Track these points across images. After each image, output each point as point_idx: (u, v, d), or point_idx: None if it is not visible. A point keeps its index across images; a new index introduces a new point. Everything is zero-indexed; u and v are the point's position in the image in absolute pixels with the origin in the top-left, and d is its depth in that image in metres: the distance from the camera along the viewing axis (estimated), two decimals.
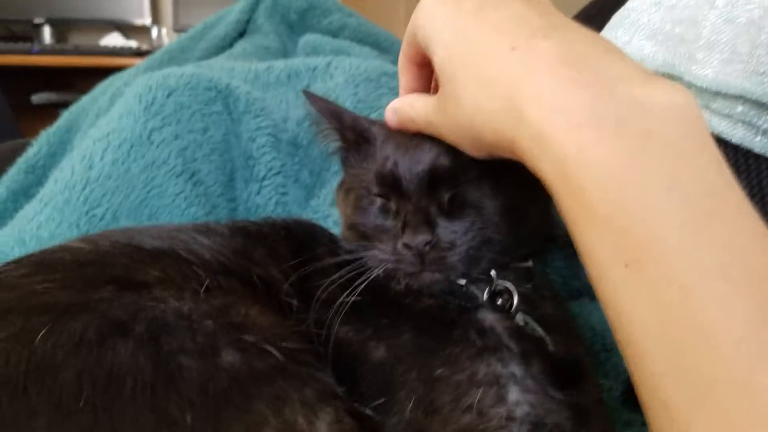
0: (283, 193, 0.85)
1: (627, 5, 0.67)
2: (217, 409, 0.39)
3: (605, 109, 0.35)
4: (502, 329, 0.52)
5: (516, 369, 0.49)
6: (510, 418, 0.46)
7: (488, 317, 0.53)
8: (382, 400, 0.49)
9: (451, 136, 0.48)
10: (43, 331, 0.39)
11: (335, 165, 0.86)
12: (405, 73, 0.56)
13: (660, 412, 0.33)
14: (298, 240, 0.61)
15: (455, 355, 0.49)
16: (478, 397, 0.46)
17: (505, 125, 0.40)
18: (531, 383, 0.49)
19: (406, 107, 0.53)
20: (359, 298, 0.52)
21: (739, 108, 0.49)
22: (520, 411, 0.47)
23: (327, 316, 0.52)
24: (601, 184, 0.34)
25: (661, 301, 0.32)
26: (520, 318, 0.53)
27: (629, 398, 0.59)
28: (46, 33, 3.33)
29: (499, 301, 0.54)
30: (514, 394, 0.47)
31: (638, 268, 0.33)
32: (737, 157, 0.50)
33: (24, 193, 0.90)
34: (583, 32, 0.41)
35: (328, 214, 0.79)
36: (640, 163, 0.34)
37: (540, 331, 0.53)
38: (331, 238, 0.62)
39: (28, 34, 3.32)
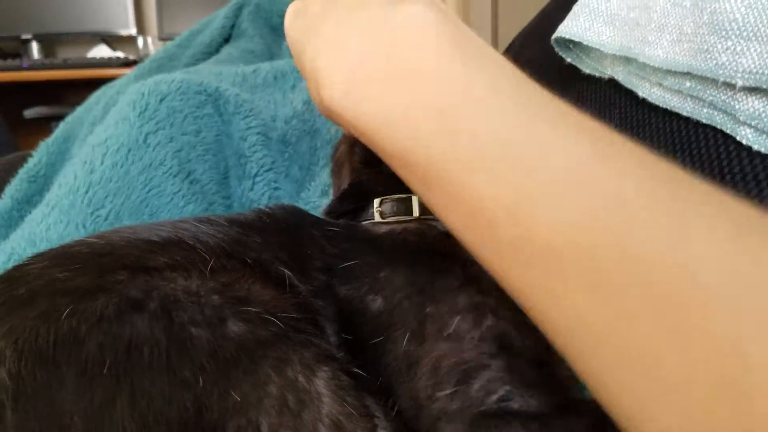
0: (276, 188, 0.88)
1: None
2: (227, 372, 0.43)
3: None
4: None
5: (493, 299, 0.54)
6: (482, 339, 0.51)
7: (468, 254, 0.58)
8: (380, 338, 0.54)
9: None
10: (67, 310, 0.43)
11: (323, 159, 0.90)
12: None
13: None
14: (287, 222, 0.65)
15: (441, 291, 0.54)
16: (455, 324, 0.51)
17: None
18: (504, 311, 0.53)
19: None
20: (353, 262, 0.57)
21: (687, 83, 0.52)
22: (490, 333, 0.51)
23: (324, 281, 0.57)
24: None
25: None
26: None
27: None
28: (35, 48, 3.32)
29: None
30: (489, 319, 0.52)
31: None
32: (688, 127, 0.54)
33: (28, 201, 0.93)
34: None
35: (319, 204, 0.83)
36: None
37: None
38: (315, 218, 0.67)
39: (17, 51, 3.33)
